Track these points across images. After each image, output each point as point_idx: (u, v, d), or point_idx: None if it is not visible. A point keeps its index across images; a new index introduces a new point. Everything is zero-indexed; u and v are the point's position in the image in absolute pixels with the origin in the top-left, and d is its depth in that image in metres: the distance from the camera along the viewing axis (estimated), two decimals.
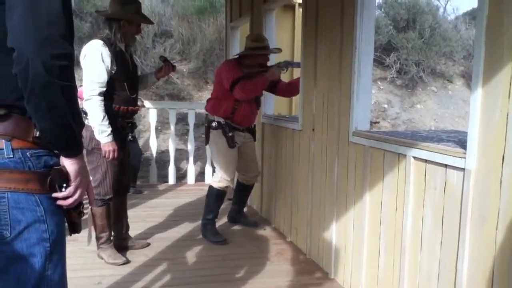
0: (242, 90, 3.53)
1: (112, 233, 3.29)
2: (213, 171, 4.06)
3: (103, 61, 2.90)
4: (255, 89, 3.62)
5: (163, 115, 7.43)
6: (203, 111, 6.30)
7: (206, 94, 8.91)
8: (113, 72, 2.96)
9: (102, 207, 3.13)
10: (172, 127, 5.79)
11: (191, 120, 5.74)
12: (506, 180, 1.63)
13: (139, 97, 4.28)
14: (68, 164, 1.26)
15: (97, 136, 2.94)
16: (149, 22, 3.34)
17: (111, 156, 2.97)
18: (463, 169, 1.83)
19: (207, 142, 3.84)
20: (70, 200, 1.27)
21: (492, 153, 1.69)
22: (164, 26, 9.60)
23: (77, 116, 1.21)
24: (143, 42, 8.94)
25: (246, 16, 4.84)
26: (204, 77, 9.25)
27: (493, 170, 1.68)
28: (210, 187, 3.80)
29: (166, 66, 3.34)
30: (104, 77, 2.91)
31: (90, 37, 3.45)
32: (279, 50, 3.89)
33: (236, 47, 5.62)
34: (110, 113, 2.97)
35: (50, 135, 1.20)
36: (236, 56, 3.90)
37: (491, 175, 1.69)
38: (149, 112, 5.79)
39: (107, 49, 2.93)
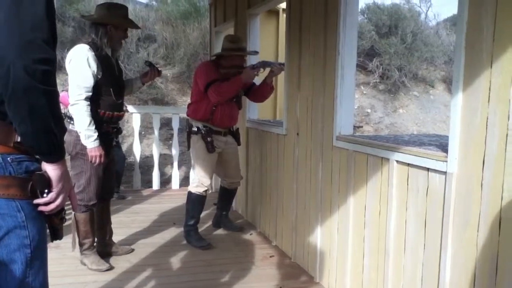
0: (215, 92, 3.49)
1: (96, 239, 3.25)
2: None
3: (89, 65, 2.86)
4: (229, 91, 3.55)
5: (147, 120, 7.39)
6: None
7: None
8: (99, 77, 2.92)
9: (86, 213, 3.08)
10: (156, 132, 5.76)
11: (175, 125, 5.72)
12: (486, 183, 1.66)
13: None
14: (50, 170, 1.24)
15: (84, 141, 2.90)
16: (136, 27, 3.31)
17: (97, 161, 2.94)
18: (444, 173, 1.86)
19: (189, 147, 3.82)
20: (52, 206, 1.25)
21: (473, 156, 1.72)
22: (148, 31, 9.55)
23: (58, 121, 1.20)
24: (127, 46, 8.88)
25: (230, 21, 4.85)
26: (188, 82, 9.22)
27: (474, 173, 1.71)
28: (189, 193, 3.77)
29: (152, 71, 3.32)
30: (90, 82, 2.88)
31: (73, 42, 3.44)
32: (255, 52, 3.93)
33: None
34: (96, 118, 2.93)
35: (31, 140, 1.19)
36: (213, 58, 3.88)
37: (472, 178, 1.72)
38: (133, 117, 5.74)
39: (93, 53, 2.90)
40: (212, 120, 3.63)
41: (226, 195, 4.12)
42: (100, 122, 2.98)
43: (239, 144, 3.95)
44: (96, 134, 2.91)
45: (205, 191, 3.72)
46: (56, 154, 1.23)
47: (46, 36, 1.13)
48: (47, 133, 1.17)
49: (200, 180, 3.68)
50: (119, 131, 3.25)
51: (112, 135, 3.15)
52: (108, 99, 3.01)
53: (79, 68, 2.87)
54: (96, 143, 2.91)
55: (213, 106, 3.60)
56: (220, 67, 3.65)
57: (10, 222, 1.19)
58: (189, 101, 3.89)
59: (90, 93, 2.89)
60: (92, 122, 2.89)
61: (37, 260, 1.25)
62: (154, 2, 11.29)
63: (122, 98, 3.18)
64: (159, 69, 3.43)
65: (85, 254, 3.16)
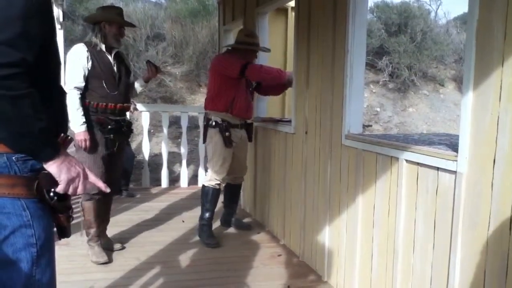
0: (257, 70, 3.58)
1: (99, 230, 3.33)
2: (206, 170, 4.07)
3: (79, 59, 3.12)
4: (270, 74, 3.63)
5: (156, 118, 7.41)
6: (195, 114, 6.35)
7: (199, 97, 8.90)
8: (89, 69, 3.14)
9: (90, 202, 3.23)
10: (165, 130, 5.78)
11: (184, 123, 5.73)
12: (497, 183, 1.64)
13: (132, 100, 4.28)
14: (47, 166, 1.22)
15: (72, 126, 3.07)
16: (129, 25, 3.49)
17: (83, 145, 3.11)
18: (454, 172, 1.84)
19: (204, 140, 3.85)
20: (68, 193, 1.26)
21: (483, 156, 1.70)
22: (157, 29, 9.59)
23: (38, 121, 1.16)
24: (136, 45, 8.92)
25: (239, 19, 4.84)
26: (197, 80, 9.24)
27: (485, 173, 1.70)
28: (203, 186, 3.82)
29: (149, 67, 3.50)
30: (79, 73, 3.10)
31: (82, 40, 3.55)
32: (268, 49, 3.97)
33: None
34: (87, 108, 3.14)
35: (12, 144, 1.18)
36: (226, 49, 3.93)
37: (483, 178, 1.71)
38: (142, 115, 5.77)
39: (86, 49, 3.15)
40: (231, 110, 3.68)
41: (232, 191, 4.13)
42: (94, 112, 3.17)
43: (250, 140, 4.01)
44: (83, 120, 3.08)
45: (218, 184, 3.76)
46: (44, 153, 1.21)
47: (7, 36, 1.09)
48: (24, 136, 1.16)
49: (214, 174, 3.73)
50: (124, 124, 3.35)
51: (110, 127, 3.22)
52: (100, 90, 3.18)
53: (70, 62, 3.14)
54: (82, 128, 3.09)
55: (232, 97, 3.67)
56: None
57: (16, 221, 1.20)
58: (201, 99, 4.04)
59: (81, 84, 3.11)
60: (80, 109, 3.09)
61: (44, 258, 1.25)
62: (163, 1, 11.34)
63: (117, 90, 3.27)
64: (156, 65, 3.59)
65: (90, 245, 3.27)
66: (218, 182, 3.75)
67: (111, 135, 3.24)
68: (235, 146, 3.80)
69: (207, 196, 3.77)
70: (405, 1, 11.29)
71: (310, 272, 3.20)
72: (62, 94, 1.39)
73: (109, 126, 3.22)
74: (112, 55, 3.28)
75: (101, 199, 3.27)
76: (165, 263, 3.27)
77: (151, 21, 9.47)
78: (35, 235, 1.22)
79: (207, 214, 3.77)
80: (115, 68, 3.28)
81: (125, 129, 3.38)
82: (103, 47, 3.23)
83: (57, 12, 4.80)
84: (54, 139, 1.24)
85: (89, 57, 3.14)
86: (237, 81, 3.68)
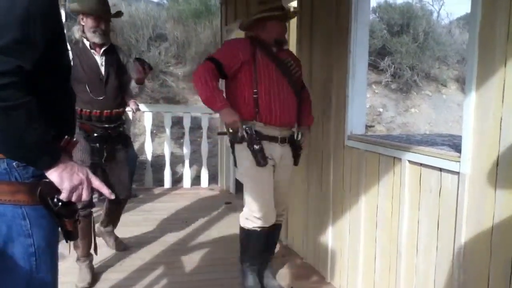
0: (198, 74, 2.53)
1: (87, 254, 2.96)
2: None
3: None
4: (201, 89, 2.51)
5: (158, 119, 7.42)
6: (198, 114, 6.35)
7: None
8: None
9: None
10: (168, 131, 5.79)
11: (187, 124, 5.74)
12: (500, 183, 1.64)
13: (133, 100, 4.22)
14: (48, 175, 1.18)
15: None
16: (108, 15, 2.89)
17: None
18: (457, 173, 1.84)
19: (235, 163, 2.79)
20: (72, 200, 1.22)
21: (486, 157, 1.70)
22: (159, 30, 9.59)
23: (33, 132, 1.11)
24: (138, 45, 8.93)
25: (241, 20, 4.84)
26: None
27: (488, 174, 1.69)
28: (241, 229, 2.78)
29: (136, 67, 2.96)
30: None
31: None
32: (295, 11, 2.93)
33: None
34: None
35: (7, 155, 1.15)
36: (247, 35, 2.78)
37: (486, 179, 1.70)
38: (145, 116, 5.78)
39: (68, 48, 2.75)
40: (259, 113, 2.60)
41: (269, 234, 2.82)
42: (79, 119, 2.79)
43: (296, 163, 2.84)
44: None
45: (261, 227, 2.68)
46: (42, 161, 1.16)
47: (3, 43, 1.03)
48: (17, 147, 1.12)
49: (250, 210, 2.68)
50: (114, 131, 2.96)
51: (96, 134, 2.86)
52: (83, 95, 2.78)
53: None
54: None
55: (254, 93, 2.58)
56: (259, 47, 2.63)
57: (15, 230, 1.17)
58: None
59: None
60: None
61: (44, 266, 1.23)
62: (165, 1, 11.35)
63: (105, 95, 2.86)
64: (149, 63, 3.02)
65: (78, 264, 2.96)
66: (260, 224, 2.66)
67: (97, 144, 2.87)
68: (275, 165, 2.71)
69: (247, 241, 2.77)
70: (407, 2, 11.27)
71: (313, 273, 3.20)
72: (69, 95, 1.36)
73: (95, 134, 2.86)
74: (101, 52, 2.87)
75: (89, 216, 2.79)
76: (169, 263, 3.27)
77: (153, 21, 9.48)
78: (34, 244, 1.20)
79: (248, 262, 2.83)
80: (102, 69, 2.87)
81: (115, 136, 2.97)
82: (87, 43, 2.83)
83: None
84: (53, 146, 1.19)
85: (73, 56, 2.73)
86: (265, 71, 2.60)
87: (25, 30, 1.07)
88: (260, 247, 2.77)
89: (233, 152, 2.75)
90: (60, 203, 1.21)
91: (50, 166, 1.17)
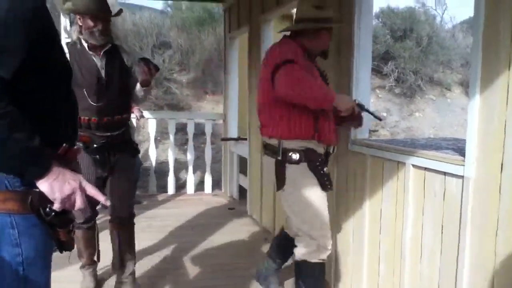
0: (289, 78, 2.19)
1: (91, 262, 2.92)
2: (297, 234, 2.48)
3: None
4: (306, 90, 2.20)
5: (162, 125, 7.44)
6: (202, 121, 6.37)
7: (205, 104, 8.93)
8: None
9: (79, 230, 2.69)
10: (172, 137, 5.80)
11: (190, 130, 5.75)
12: (505, 187, 1.63)
13: (137, 107, 4.23)
14: (38, 185, 1.13)
15: None
16: (108, 14, 2.64)
17: None
18: (462, 177, 1.83)
19: (280, 186, 2.43)
20: (65, 208, 1.18)
21: (491, 160, 1.69)
22: (163, 37, 9.65)
23: (17, 143, 1.06)
24: (142, 53, 8.98)
25: (244, 27, 4.86)
26: (203, 87, 9.28)
27: (492, 177, 1.68)
28: (304, 263, 2.44)
29: (141, 68, 2.63)
30: None
31: None
32: (340, 21, 2.68)
33: (235, 57, 5.64)
34: None
35: None
36: (285, 36, 2.58)
37: (490, 182, 1.69)
38: (149, 123, 5.80)
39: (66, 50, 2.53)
40: (318, 135, 2.36)
41: (287, 243, 2.68)
42: (78, 127, 2.47)
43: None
44: None
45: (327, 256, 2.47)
46: (29, 172, 1.12)
47: None
48: (0, 160, 1.09)
49: (320, 241, 2.40)
50: (117, 139, 2.70)
51: (96, 145, 2.63)
52: (82, 102, 2.44)
53: None
54: None
55: (316, 116, 2.33)
56: (306, 55, 2.43)
57: (2, 239, 1.14)
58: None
59: None
60: None
61: (32, 276, 1.19)
62: (169, 9, 11.42)
63: (105, 100, 2.61)
64: (155, 64, 2.70)
65: (81, 272, 2.94)
66: (328, 252, 2.46)
67: (97, 156, 2.63)
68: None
69: (315, 277, 2.46)
70: (410, 7, 11.29)
71: None
72: (69, 101, 1.31)
73: (95, 145, 2.62)
74: (101, 54, 2.64)
75: (93, 227, 2.75)
76: (174, 269, 3.27)
77: (157, 29, 9.55)
78: (22, 254, 1.16)
79: None
80: (103, 73, 2.63)
81: (119, 145, 2.72)
82: (85, 45, 2.62)
83: (64, 21, 4.84)
84: (41, 156, 1.12)
85: (72, 60, 2.52)
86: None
87: (2, 39, 1.03)
88: (324, 279, 2.54)
89: (282, 174, 2.39)
90: (53, 213, 1.17)
91: (38, 176, 1.12)
